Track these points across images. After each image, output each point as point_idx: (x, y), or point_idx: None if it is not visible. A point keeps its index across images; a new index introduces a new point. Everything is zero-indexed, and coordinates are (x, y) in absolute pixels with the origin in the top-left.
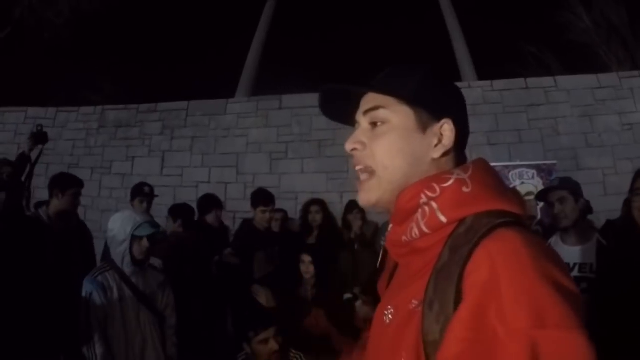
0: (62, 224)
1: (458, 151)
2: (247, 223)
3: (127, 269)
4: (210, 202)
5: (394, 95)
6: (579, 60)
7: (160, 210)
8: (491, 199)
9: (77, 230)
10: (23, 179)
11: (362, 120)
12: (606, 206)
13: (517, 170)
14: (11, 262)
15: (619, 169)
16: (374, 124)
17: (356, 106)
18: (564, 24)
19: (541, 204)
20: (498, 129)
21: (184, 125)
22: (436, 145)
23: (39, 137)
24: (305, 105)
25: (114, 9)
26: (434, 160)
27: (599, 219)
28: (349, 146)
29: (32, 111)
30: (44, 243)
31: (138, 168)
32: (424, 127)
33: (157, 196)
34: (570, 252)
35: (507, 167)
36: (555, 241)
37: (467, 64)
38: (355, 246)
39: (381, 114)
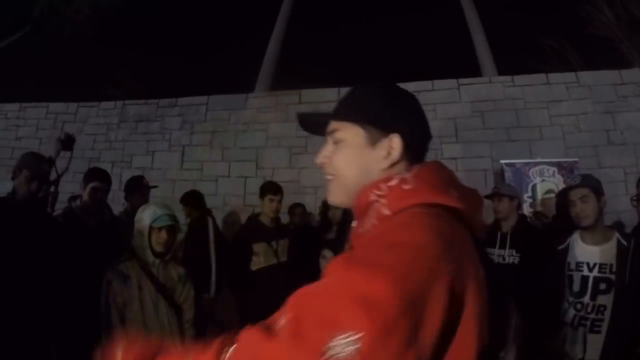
0: (90, 218)
1: (411, 159)
2: (252, 217)
3: (148, 259)
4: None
5: (343, 120)
6: (600, 54)
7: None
8: (427, 193)
9: (110, 224)
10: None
11: (329, 139)
12: (628, 205)
13: (537, 168)
14: (47, 253)
15: None
16: (336, 143)
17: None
18: (585, 17)
19: None
20: (519, 125)
21: (204, 119)
22: (385, 157)
23: (65, 143)
24: (324, 99)
25: (133, 5)
26: (383, 170)
27: (620, 217)
28: (318, 160)
29: (53, 106)
30: (75, 236)
31: (158, 162)
32: (373, 142)
33: (155, 186)
34: (591, 251)
35: (527, 164)
36: (574, 240)
37: (487, 58)
38: None
39: (337, 135)
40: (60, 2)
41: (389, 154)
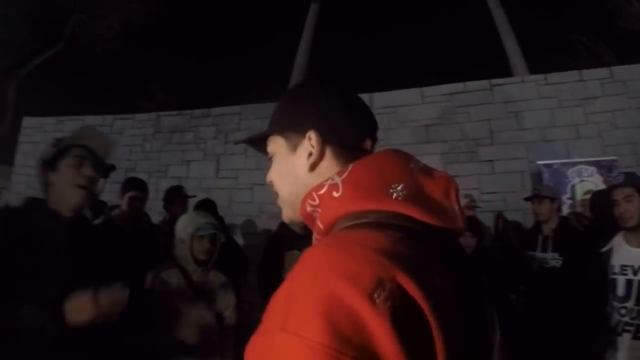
0: (128, 226)
1: (345, 156)
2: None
3: (189, 267)
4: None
5: (269, 134)
6: (632, 47)
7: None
8: (358, 200)
9: (149, 232)
10: None
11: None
12: None
13: (575, 168)
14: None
15: None
16: (271, 159)
17: None
18: (613, 10)
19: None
20: (555, 125)
21: (237, 128)
22: (307, 159)
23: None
24: None
25: (164, 20)
26: (310, 172)
27: None
28: (267, 180)
29: (90, 119)
30: (112, 244)
31: (194, 171)
32: (294, 147)
33: (194, 196)
34: (636, 254)
35: (565, 164)
36: (618, 242)
37: (517, 58)
38: None
39: (268, 151)
40: (91, 20)
41: (310, 154)
